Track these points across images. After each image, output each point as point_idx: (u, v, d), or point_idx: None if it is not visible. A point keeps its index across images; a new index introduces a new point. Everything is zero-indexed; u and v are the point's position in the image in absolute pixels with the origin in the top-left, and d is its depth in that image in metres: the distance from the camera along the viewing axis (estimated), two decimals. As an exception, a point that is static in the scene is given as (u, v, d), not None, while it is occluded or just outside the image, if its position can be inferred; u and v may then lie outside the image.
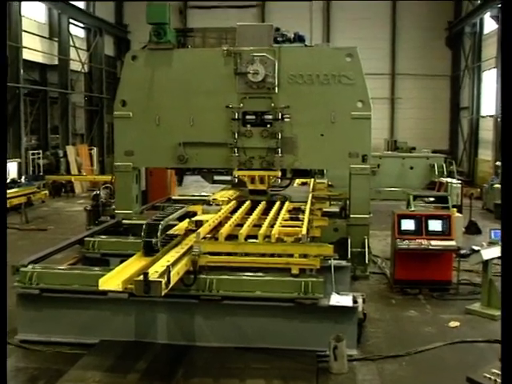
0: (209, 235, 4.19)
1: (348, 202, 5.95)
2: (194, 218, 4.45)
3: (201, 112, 5.82)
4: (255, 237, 4.10)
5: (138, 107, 5.90)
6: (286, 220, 4.72)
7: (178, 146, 5.85)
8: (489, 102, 15.34)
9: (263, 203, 5.36)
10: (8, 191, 10.40)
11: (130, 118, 5.90)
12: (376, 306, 5.18)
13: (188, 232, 4.36)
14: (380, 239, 8.23)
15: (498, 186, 10.77)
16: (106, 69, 18.92)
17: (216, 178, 6.69)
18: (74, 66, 16.85)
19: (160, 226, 4.05)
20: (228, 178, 6.39)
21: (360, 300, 3.96)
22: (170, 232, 4.42)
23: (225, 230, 4.16)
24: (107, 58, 19.27)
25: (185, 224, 4.46)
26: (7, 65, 3.73)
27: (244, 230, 4.16)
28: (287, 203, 5.36)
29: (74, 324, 4.03)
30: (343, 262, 4.52)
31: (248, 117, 5.84)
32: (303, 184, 7.54)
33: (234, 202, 5.28)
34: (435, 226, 5.74)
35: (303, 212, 4.97)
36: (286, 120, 5.72)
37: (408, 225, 5.80)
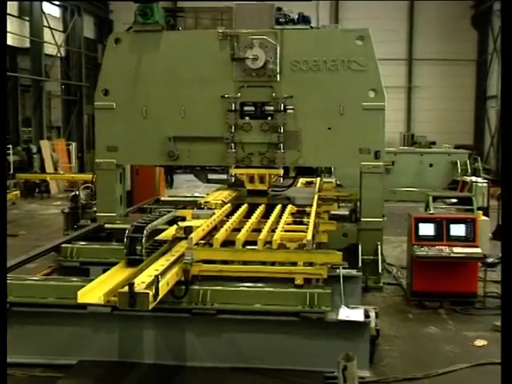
0: (202, 241, 4.20)
1: (359, 204, 5.99)
2: (181, 224, 4.48)
3: (193, 103, 5.85)
4: (254, 243, 4.12)
5: (122, 97, 5.93)
6: (288, 224, 4.74)
7: (167, 141, 5.89)
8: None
9: (263, 205, 5.38)
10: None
11: (112, 110, 5.93)
12: (391, 321, 5.19)
13: (175, 239, 4.39)
14: (395, 246, 8.26)
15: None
16: (86, 53, 18.93)
17: (210, 176, 6.74)
18: (49, 49, 16.83)
19: (145, 231, 4.06)
20: (224, 176, 6.44)
21: (372, 314, 3.97)
22: (159, 238, 4.44)
23: (220, 236, 4.19)
24: (86, 40, 19.29)
25: (172, 230, 4.50)
26: (6, 65, 4.19)
27: (242, 236, 4.17)
28: (290, 205, 5.38)
29: (48, 343, 4.01)
30: (353, 272, 4.55)
31: (246, 108, 5.88)
32: (308, 184, 7.58)
33: (228, 206, 5.31)
34: (458, 230, 5.74)
35: (308, 215, 5.00)
36: (288, 112, 5.76)
37: (427, 229, 5.82)
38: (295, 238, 4.23)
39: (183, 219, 4.81)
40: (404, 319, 5.31)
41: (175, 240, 4.40)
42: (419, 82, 19.92)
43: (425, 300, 5.68)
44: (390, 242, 8.13)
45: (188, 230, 4.30)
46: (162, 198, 7.99)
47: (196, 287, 3.86)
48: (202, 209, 5.19)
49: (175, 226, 4.49)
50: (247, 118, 5.89)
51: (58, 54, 17.57)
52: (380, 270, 5.57)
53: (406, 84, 19.97)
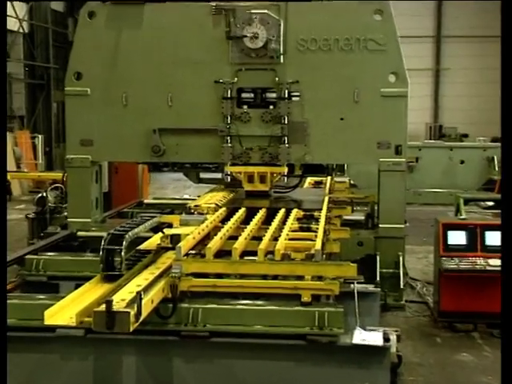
0: (193, 251, 4.22)
1: (376, 208, 6.02)
2: (168, 232, 4.49)
3: (182, 89, 5.89)
4: (254, 253, 4.14)
5: (98, 81, 5.97)
6: (294, 231, 4.75)
7: (151, 134, 5.92)
8: None
9: (264, 209, 5.41)
10: None
11: (87, 96, 5.96)
12: (415, 345, 5.23)
13: (160, 250, 4.42)
14: (419, 257, 8.31)
15: None
16: (54, 29, 18.91)
17: (202, 175, 6.77)
18: (9, 24, 16.84)
19: (125, 241, 4.08)
20: (218, 175, 6.46)
21: (393, 337, 3.98)
22: (141, 247, 4.47)
23: (214, 245, 4.21)
24: (55, 13, 19.27)
25: (156, 239, 4.52)
26: (6, 64, 4.63)
27: (239, 245, 4.19)
28: (296, 209, 5.42)
29: (10, 373, 3.96)
30: (370, 287, 4.56)
31: (244, 95, 5.90)
32: (317, 184, 7.62)
33: (223, 210, 5.33)
34: (494, 239, 5.75)
35: (317, 221, 5.01)
36: (294, 99, 5.79)
37: (457, 238, 5.85)
38: (302, 248, 4.24)
39: (170, 226, 4.82)
40: (431, 344, 5.34)
41: (160, 250, 4.42)
42: (449, 64, 19.89)
43: (455, 321, 5.71)
44: (413, 252, 8.18)
45: (175, 239, 4.31)
46: (146, 201, 8.04)
47: (185, 305, 3.85)
48: (192, 213, 5.20)
49: (160, 234, 4.50)
50: (245, 106, 5.91)
51: (20, 30, 17.56)
52: (402, 286, 5.57)
53: (433, 66, 19.98)
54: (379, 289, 4.72)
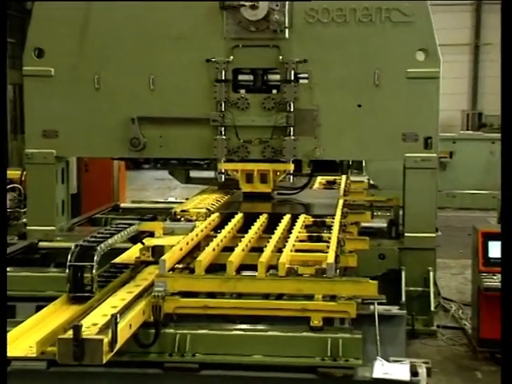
0: (179, 265, 4.23)
1: (401, 213, 6.05)
2: (149, 242, 4.50)
3: (166, 69, 5.92)
4: (253, 267, 4.13)
5: (64, 60, 5.98)
6: (301, 241, 4.77)
7: (129, 124, 5.95)
8: None
9: (265, 215, 5.42)
10: None
11: (50, 78, 5.98)
12: (450, 381, 5.23)
13: (139, 264, 4.44)
14: (454, 273, 8.33)
15: None
16: (10, -4, 19.05)
17: (192, 174, 6.78)
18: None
19: (97, 254, 4.09)
20: (210, 174, 6.49)
21: (423, 371, 3.97)
22: (118, 261, 4.49)
23: (205, 258, 4.21)
24: (11, -23, 19.39)
25: (135, 251, 4.53)
26: (6, 63, 4.80)
27: (235, 258, 4.19)
28: (304, 215, 5.43)
29: None
30: (394, 309, 4.57)
31: (242, 77, 5.95)
32: (329, 184, 7.64)
33: (215, 216, 5.33)
34: (545, 251, 5.80)
35: (329, 228, 5.03)
36: (302, 82, 5.81)
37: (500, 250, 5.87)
38: (311, 261, 4.24)
39: (151, 235, 4.84)
40: (469, 379, 5.35)
41: (140, 265, 4.45)
42: (491, 38, 19.75)
43: (499, 352, 5.72)
44: (446, 267, 8.19)
45: (158, 251, 4.33)
46: (122, 205, 8.05)
47: (170, 330, 3.85)
48: (179, 220, 5.21)
49: (140, 246, 4.52)
50: (243, 91, 5.93)
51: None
52: (433, 308, 5.60)
53: (471, 40, 19.92)
54: (405, 311, 4.72)
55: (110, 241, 4.34)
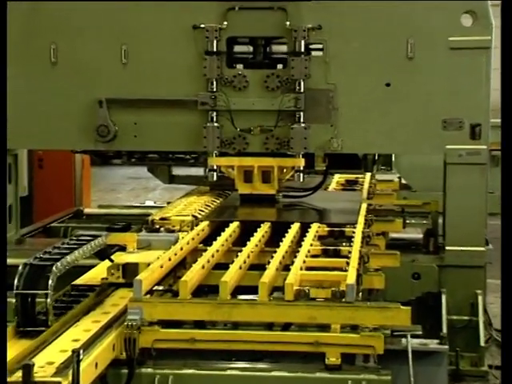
0: (159, 287, 4.23)
1: (442, 221, 6.05)
2: (119, 258, 4.51)
3: (143, 38, 5.94)
4: (253, 289, 4.13)
5: (11, 27, 5.92)
6: (314, 256, 4.77)
7: (96, 108, 5.97)
8: None
9: (268, 224, 5.43)
10: None
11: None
12: None
13: (107, 287, 4.45)
14: (511, 297, 8.28)
15: None
16: None
17: (176, 172, 6.76)
18: None
19: (53, 276, 4.07)
20: (199, 171, 6.56)
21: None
22: (80, 282, 4.48)
23: (192, 277, 4.19)
24: None
25: (102, 270, 4.54)
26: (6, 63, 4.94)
27: (231, 277, 4.18)
28: (317, 223, 5.43)
29: None
30: (433, 343, 4.56)
31: (239, 48, 6.03)
32: (350, 184, 7.64)
33: (205, 225, 5.34)
34: None
35: (349, 240, 5.04)
36: (315, 55, 5.83)
37: None
38: (326, 282, 4.24)
39: (122, 249, 4.84)
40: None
41: (109, 287, 4.46)
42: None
43: None
44: (500, 290, 8.13)
45: (131, 270, 4.33)
46: (86, 210, 8.07)
47: (148, 370, 3.86)
48: (158, 231, 5.21)
49: (108, 263, 4.53)
50: (240, 66, 5.97)
51: None
52: (483, 342, 5.59)
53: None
54: (447, 346, 4.71)
55: (69, 258, 4.29)
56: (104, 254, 4.75)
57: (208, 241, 5.06)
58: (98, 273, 4.58)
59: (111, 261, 4.52)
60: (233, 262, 4.50)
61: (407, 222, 6.36)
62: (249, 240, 4.98)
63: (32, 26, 5.98)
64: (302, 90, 5.80)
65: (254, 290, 4.10)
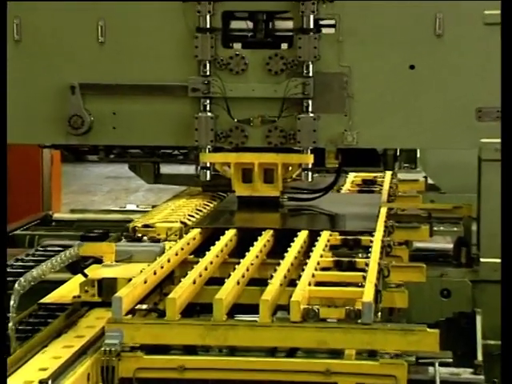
0: (143, 306, 4.23)
1: (476, 228, 6.07)
2: (93, 273, 4.55)
3: (122, 12, 5.96)
4: (253, 308, 4.14)
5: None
6: (325, 269, 4.79)
7: (67, 95, 5.98)
8: None
9: (270, 232, 5.45)
10: None
11: None
12: None
13: (80, 306, 4.46)
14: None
15: None
16: None
17: (163, 170, 6.76)
18: None
19: (13, 297, 4.07)
20: (190, 169, 6.55)
21: None
22: (47, 300, 4.48)
23: (182, 294, 4.18)
24: None
25: (74, 286, 4.55)
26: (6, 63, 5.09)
27: (227, 294, 4.16)
28: (328, 231, 5.45)
29: None
30: (465, 373, 4.56)
31: (236, 24, 6.06)
32: (367, 184, 7.68)
33: (196, 233, 5.35)
34: None
35: (366, 250, 5.05)
36: (325, 32, 5.86)
37: None
38: (339, 300, 4.27)
39: (98, 262, 4.86)
40: None
41: (82, 306, 4.46)
42: None
43: None
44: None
45: (108, 286, 4.35)
46: (56, 216, 8.12)
47: (129, 406, 3.93)
48: (140, 240, 5.23)
49: (81, 278, 4.54)
50: (238, 45, 6.01)
51: None
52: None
53: None
54: (482, 377, 4.72)
55: (35, 272, 4.32)
56: (77, 267, 4.78)
57: (200, 251, 5.08)
58: (70, 289, 4.59)
59: (85, 275, 4.52)
60: (229, 276, 4.50)
61: (435, 229, 6.38)
62: (248, 250, 4.99)
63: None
64: (310, 74, 5.80)
65: (254, 309, 4.11)
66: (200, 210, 5.99)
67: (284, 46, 5.97)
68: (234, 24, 6.02)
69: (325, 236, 5.30)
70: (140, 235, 5.28)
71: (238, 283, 4.45)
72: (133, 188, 14.28)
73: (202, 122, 5.89)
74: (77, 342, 4.03)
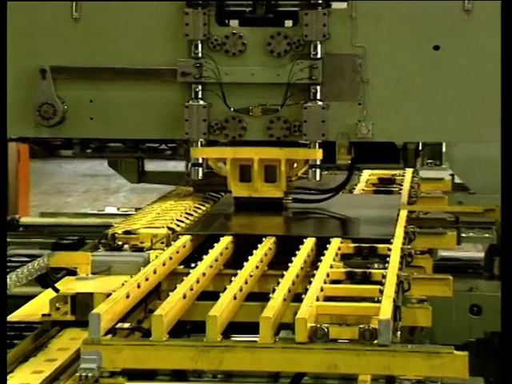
0: (125, 324, 4.22)
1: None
2: (67, 288, 4.57)
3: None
4: (253, 327, 4.13)
5: None
6: (335, 282, 4.82)
7: (38, 79, 6.00)
8: None
9: (272, 239, 5.45)
10: None
11: None
12: None
13: (50, 326, 4.48)
14: None
15: None
16: None
17: (148, 167, 6.77)
18: None
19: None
20: (179, 166, 6.64)
21: None
22: (12, 319, 4.50)
23: (170, 310, 4.19)
24: None
25: (44, 302, 4.58)
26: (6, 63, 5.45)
27: (222, 310, 4.17)
28: (338, 238, 5.46)
29: None
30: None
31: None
32: (384, 183, 7.75)
33: (186, 240, 5.36)
34: None
35: (383, 260, 5.08)
36: (335, 7, 5.88)
37: None
38: (351, 317, 4.27)
39: (71, 274, 4.88)
40: None
41: (53, 326, 4.48)
42: None
43: None
44: None
45: (83, 302, 4.37)
46: (23, 220, 8.16)
47: None
48: (120, 248, 5.25)
49: (52, 293, 4.56)
50: (234, 22, 6.02)
51: None
52: None
53: None
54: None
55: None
56: (47, 280, 4.79)
57: (191, 261, 5.12)
58: (39, 306, 4.61)
59: (56, 290, 4.55)
60: (225, 289, 4.51)
61: (463, 235, 6.41)
62: (246, 260, 5.01)
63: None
64: (318, 56, 5.82)
65: (253, 327, 4.11)
66: (191, 214, 6.02)
67: (288, 23, 5.98)
68: (231, -1, 6.04)
69: (335, 244, 5.32)
70: (120, 243, 5.30)
71: (235, 298, 4.46)
72: (113, 188, 14.36)
73: (194, 112, 5.90)
74: (47, 366, 4.05)
